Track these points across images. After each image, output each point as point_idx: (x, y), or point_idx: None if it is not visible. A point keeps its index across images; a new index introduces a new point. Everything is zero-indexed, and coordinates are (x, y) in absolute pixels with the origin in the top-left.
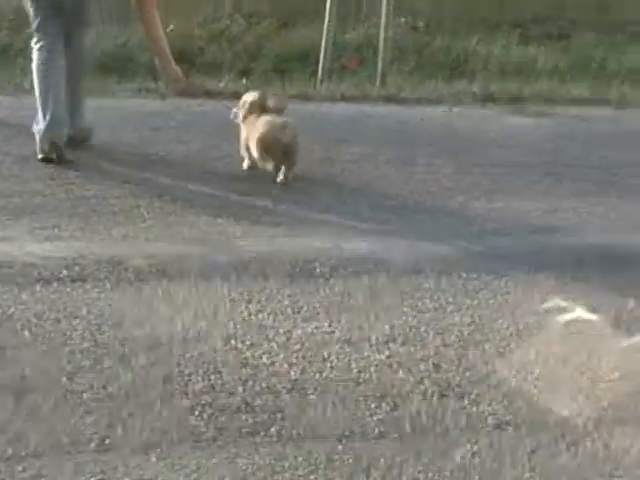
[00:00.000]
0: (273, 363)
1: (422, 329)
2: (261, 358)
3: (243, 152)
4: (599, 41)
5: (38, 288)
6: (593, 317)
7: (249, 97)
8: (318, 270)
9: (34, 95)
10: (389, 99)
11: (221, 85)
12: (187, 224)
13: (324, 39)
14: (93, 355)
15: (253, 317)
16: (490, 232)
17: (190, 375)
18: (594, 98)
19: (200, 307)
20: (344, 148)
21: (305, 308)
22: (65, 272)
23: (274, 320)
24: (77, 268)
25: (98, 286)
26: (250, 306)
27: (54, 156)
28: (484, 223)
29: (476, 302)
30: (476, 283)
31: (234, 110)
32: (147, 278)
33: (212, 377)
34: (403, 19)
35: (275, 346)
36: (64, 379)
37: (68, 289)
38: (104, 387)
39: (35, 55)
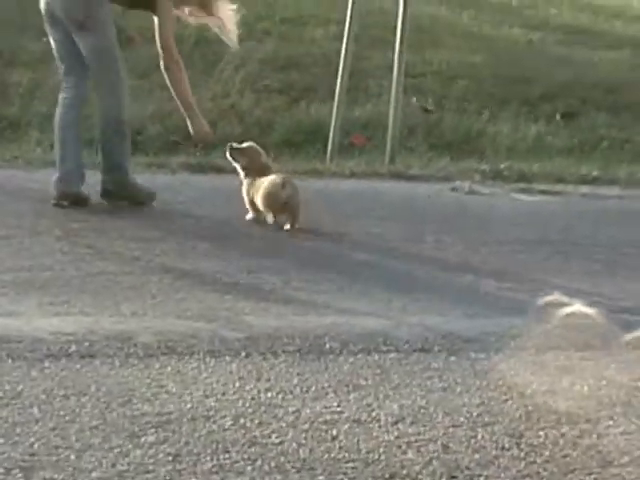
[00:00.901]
0: (282, 442)
1: (431, 409)
2: (270, 437)
3: (247, 203)
4: (608, 120)
5: (47, 364)
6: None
7: (255, 149)
8: (328, 346)
9: (45, 168)
10: (398, 176)
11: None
12: (196, 300)
13: (334, 116)
14: (102, 433)
15: (262, 395)
16: (499, 311)
17: (199, 454)
18: (603, 177)
19: (209, 384)
20: (353, 224)
21: (314, 387)
22: (74, 348)
23: (283, 399)
24: (86, 344)
25: (107, 362)
26: (259, 384)
27: (65, 203)
28: (493, 302)
29: (485, 383)
30: (485, 363)
31: (233, 145)
32: (156, 354)
33: (221, 456)
34: (414, 99)
35: (284, 425)
36: (73, 457)
37: (77, 365)
38: (113, 465)
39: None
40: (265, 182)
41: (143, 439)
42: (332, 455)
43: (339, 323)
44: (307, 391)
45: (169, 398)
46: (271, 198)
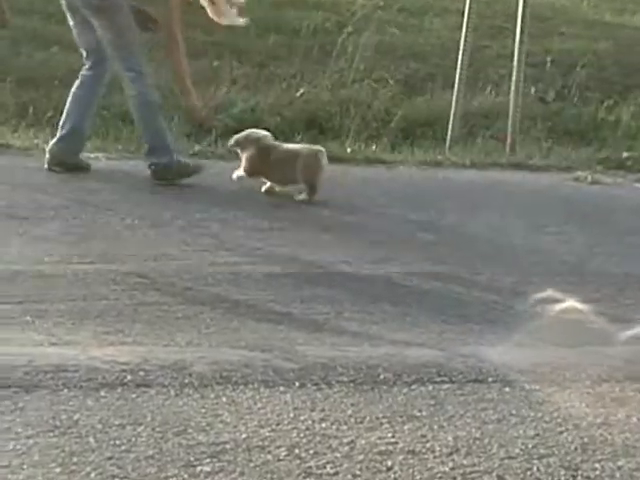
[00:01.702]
0: (337, 473)
1: (486, 441)
2: (325, 468)
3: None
4: None
5: (103, 393)
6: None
7: (253, 136)
8: (382, 377)
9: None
10: (518, 166)
11: (349, 150)
12: (250, 330)
13: (453, 105)
14: (158, 462)
15: (316, 426)
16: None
17: None
18: None
19: (264, 415)
20: (475, 215)
21: (368, 418)
22: (129, 377)
23: (337, 429)
24: (141, 373)
25: (162, 392)
26: (313, 414)
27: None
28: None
29: (540, 414)
30: (540, 395)
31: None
32: (211, 384)
33: None
34: (533, 89)
35: (339, 456)
36: None
37: (133, 395)
38: None
39: None
40: (300, 153)
41: (199, 469)
42: None
43: (393, 354)
44: (361, 422)
45: (224, 428)
46: (310, 169)
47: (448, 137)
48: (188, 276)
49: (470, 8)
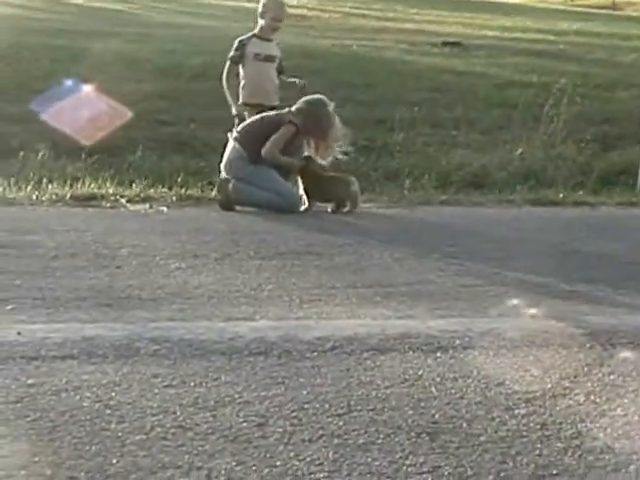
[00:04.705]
0: None
1: None
2: None
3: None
4: None
5: (439, 354)
6: None
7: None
8: None
9: None
10: None
11: (560, 195)
12: (547, 305)
13: None
14: (484, 406)
15: None
16: None
17: (560, 424)
18: None
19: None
20: None
21: None
22: (458, 342)
23: None
24: (467, 339)
25: (483, 353)
26: None
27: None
28: None
29: None
30: None
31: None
32: (520, 346)
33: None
34: None
35: None
36: (464, 424)
37: (461, 355)
38: (495, 432)
39: None
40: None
41: (516, 411)
42: None
43: None
44: None
45: (533, 380)
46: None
47: (639, 183)
48: (438, 298)
49: None
